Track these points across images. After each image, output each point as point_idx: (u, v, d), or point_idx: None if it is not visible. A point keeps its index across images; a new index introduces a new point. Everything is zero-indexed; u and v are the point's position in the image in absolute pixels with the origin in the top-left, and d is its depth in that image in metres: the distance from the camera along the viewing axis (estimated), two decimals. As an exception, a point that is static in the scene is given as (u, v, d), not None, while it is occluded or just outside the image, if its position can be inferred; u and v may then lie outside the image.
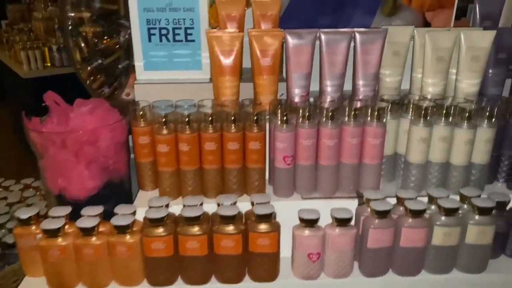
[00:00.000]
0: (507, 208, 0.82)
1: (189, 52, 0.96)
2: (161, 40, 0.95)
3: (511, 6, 1.03)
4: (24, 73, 2.65)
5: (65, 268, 0.74)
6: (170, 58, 0.96)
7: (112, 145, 0.83)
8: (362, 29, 0.85)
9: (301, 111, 0.80)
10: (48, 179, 0.82)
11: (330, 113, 0.80)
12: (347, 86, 0.91)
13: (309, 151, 0.81)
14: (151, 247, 0.73)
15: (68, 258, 0.74)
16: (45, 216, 0.76)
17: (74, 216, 0.76)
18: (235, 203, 0.78)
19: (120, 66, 0.97)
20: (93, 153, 0.80)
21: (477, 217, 0.77)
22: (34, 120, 0.81)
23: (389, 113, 0.85)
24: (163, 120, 0.79)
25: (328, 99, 0.86)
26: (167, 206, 0.78)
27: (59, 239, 0.73)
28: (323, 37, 0.85)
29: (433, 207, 0.79)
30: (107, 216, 0.76)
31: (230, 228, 0.75)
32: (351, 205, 0.82)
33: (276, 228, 0.75)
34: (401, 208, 0.78)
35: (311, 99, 0.89)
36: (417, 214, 0.76)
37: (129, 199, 0.89)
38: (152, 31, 0.94)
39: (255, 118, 0.80)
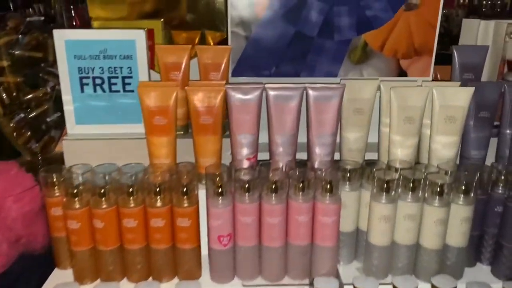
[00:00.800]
0: (490, 302, 0.67)
1: (128, 104, 0.85)
2: (95, 91, 0.84)
3: (495, 55, 0.91)
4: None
5: None
6: (107, 110, 0.85)
7: (20, 216, 0.71)
8: (315, 85, 0.73)
9: (239, 181, 0.67)
10: None
11: (273, 185, 0.67)
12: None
13: (249, 230, 0.68)
14: None
15: None
16: None
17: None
18: (157, 293, 0.65)
19: (48, 120, 0.85)
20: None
21: (450, 317, 0.63)
22: None
23: (348, 183, 0.72)
24: (74, 191, 0.67)
25: (279, 165, 0.74)
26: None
27: None
28: (270, 93, 0.73)
29: (398, 301, 0.65)
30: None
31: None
32: (301, 293, 0.69)
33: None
34: (358, 304, 0.64)
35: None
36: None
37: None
38: (84, 81, 0.83)
39: (184, 189, 0.67)
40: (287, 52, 0.91)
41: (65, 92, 0.83)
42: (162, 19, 1.00)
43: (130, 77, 0.83)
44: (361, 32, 0.90)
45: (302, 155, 0.80)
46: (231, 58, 0.90)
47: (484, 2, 2.13)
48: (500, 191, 0.72)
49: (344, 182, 0.71)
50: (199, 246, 0.71)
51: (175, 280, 0.71)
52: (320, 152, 0.75)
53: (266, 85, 0.73)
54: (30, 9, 1.69)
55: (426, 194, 0.68)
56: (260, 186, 0.68)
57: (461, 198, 0.68)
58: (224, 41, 0.93)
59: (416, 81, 0.90)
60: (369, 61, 0.93)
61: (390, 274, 0.71)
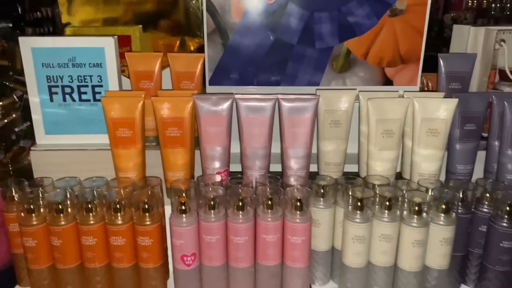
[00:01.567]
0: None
1: (98, 114, 0.81)
2: (65, 100, 0.81)
3: (484, 63, 0.86)
4: None
5: None
6: (76, 120, 0.82)
7: (-23, 232, 0.68)
8: (288, 96, 0.69)
9: (204, 198, 0.64)
10: None
11: (240, 202, 0.63)
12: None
13: (214, 249, 0.64)
14: None
15: None
16: None
17: None
18: (115, 315, 0.62)
19: (17, 129, 0.82)
20: None
21: None
22: None
23: (322, 199, 0.67)
24: (30, 207, 0.63)
25: (250, 180, 0.70)
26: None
27: None
28: (240, 104, 0.69)
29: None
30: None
31: None
32: (271, 317, 0.65)
33: None
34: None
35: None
36: None
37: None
38: (53, 90, 0.80)
39: (144, 205, 0.63)
40: (266, 60, 0.87)
41: (33, 101, 0.80)
42: (140, 26, 0.97)
43: (101, 86, 0.80)
44: (343, 40, 0.86)
45: (278, 167, 0.77)
46: (208, 67, 0.87)
47: (493, 5, 2.07)
48: (484, 210, 0.67)
49: (318, 198, 0.67)
50: (163, 265, 0.67)
51: (139, 301, 0.68)
52: (294, 166, 0.71)
53: (236, 96, 0.69)
54: (38, 13, 1.67)
55: (404, 213, 0.64)
56: (227, 203, 0.64)
57: (442, 218, 0.64)
58: (202, 48, 0.90)
59: (397, 91, 0.85)
60: (353, 69, 0.89)
61: (366, 297, 0.67)
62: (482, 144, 0.77)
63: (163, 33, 0.98)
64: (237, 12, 0.84)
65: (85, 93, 0.81)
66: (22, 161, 0.88)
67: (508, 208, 0.64)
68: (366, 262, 0.66)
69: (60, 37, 0.78)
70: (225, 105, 0.69)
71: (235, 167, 0.76)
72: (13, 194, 0.67)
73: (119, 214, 0.64)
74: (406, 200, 0.64)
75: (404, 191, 0.65)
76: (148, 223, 0.63)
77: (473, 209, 0.68)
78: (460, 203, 0.67)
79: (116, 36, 0.79)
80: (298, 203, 0.63)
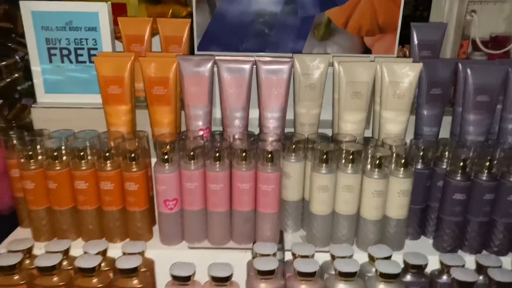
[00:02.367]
0: (425, 272, 0.69)
1: (94, 74, 0.88)
2: (63, 61, 0.87)
3: (457, 33, 0.90)
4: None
5: None
6: (73, 80, 0.88)
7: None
8: (264, 58, 0.75)
9: (185, 149, 0.70)
10: None
11: (217, 154, 0.70)
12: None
13: (193, 195, 0.71)
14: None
15: None
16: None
17: None
18: (104, 251, 0.69)
19: (19, 88, 0.89)
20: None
21: (381, 285, 0.65)
22: None
23: (293, 154, 0.74)
24: (28, 153, 0.71)
25: (234, 135, 0.77)
26: (28, 250, 0.69)
27: None
28: (221, 65, 0.75)
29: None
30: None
31: (93, 281, 0.65)
32: (244, 257, 0.72)
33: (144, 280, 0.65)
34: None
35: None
36: (305, 275, 0.64)
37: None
38: (52, 51, 0.87)
39: (132, 155, 0.70)
40: (251, 28, 0.93)
41: (34, 62, 0.87)
42: (136, -7, 1.02)
43: (95, 49, 0.87)
44: (324, 9, 0.91)
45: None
46: (196, 33, 0.93)
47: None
48: (443, 166, 0.73)
49: (289, 153, 0.74)
50: (148, 210, 0.75)
51: (127, 241, 0.75)
52: (270, 125, 0.77)
53: (216, 58, 0.75)
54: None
55: (367, 167, 0.70)
56: (205, 155, 0.71)
57: (401, 171, 0.70)
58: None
59: (369, 57, 0.90)
60: (334, 38, 0.94)
61: (332, 243, 0.74)
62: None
63: (156, 2, 1.03)
64: (224, -19, 0.89)
65: (81, 55, 0.87)
66: (25, 118, 0.95)
67: (461, 164, 0.70)
68: (330, 210, 0.72)
69: (57, 1, 0.84)
70: (207, 66, 0.75)
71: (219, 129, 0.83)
72: (14, 142, 0.74)
73: (108, 161, 0.71)
74: (369, 154, 0.70)
75: (368, 147, 0.72)
76: (134, 169, 0.71)
77: (432, 166, 0.74)
78: (421, 160, 0.73)
79: (109, 2, 0.84)
80: (269, 155, 0.69)
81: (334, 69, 0.79)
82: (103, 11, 0.84)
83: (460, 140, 0.79)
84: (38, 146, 0.72)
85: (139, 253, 0.68)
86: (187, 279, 0.65)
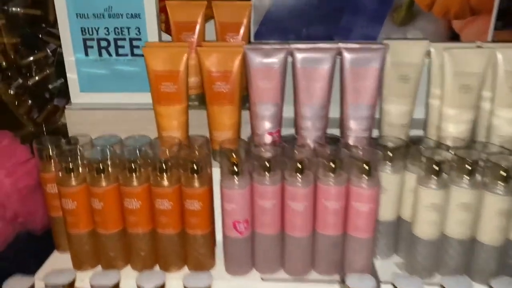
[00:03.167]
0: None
1: (137, 70, 0.75)
2: (100, 55, 0.75)
3: None
4: None
5: None
6: (113, 77, 0.76)
7: (14, 192, 0.63)
8: (351, 45, 0.61)
9: (258, 158, 0.57)
10: None
11: (299, 165, 0.56)
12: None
13: (270, 215, 0.58)
14: None
15: None
16: None
17: None
18: (162, 286, 0.56)
19: (51, 87, 0.77)
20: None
21: (513, 329, 0.51)
22: None
23: (389, 164, 0.60)
24: (69, 166, 0.58)
25: (306, 141, 0.63)
26: (70, 285, 0.57)
27: None
28: (297, 55, 0.61)
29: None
30: None
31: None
32: (330, 291, 0.58)
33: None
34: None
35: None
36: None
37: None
38: (89, 43, 0.74)
39: (193, 166, 0.57)
40: (318, 11, 0.79)
41: (67, 56, 0.74)
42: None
43: (139, 39, 0.74)
44: (407, -13, 0.77)
45: (334, 132, 0.69)
46: (253, 19, 0.79)
47: None
48: None
49: (385, 162, 0.60)
50: (211, 233, 0.62)
51: (185, 270, 0.63)
52: (355, 127, 0.63)
53: (293, 46, 0.61)
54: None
55: (486, 179, 0.56)
56: (283, 166, 0.58)
57: (531, 185, 0.55)
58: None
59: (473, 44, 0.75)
60: (415, 22, 0.79)
61: (437, 273, 0.60)
62: None
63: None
64: (288, -44, 0.75)
65: (123, 46, 0.74)
66: (56, 122, 0.83)
67: None
68: (439, 233, 0.58)
69: (95, -16, 0.71)
70: (280, 56, 0.61)
71: (287, 132, 0.69)
72: (50, 152, 0.62)
73: (165, 175, 0.58)
74: (489, 164, 0.56)
75: (486, 154, 0.57)
76: (197, 185, 0.57)
77: None
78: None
79: (155, -17, 0.71)
80: (366, 166, 0.55)
81: (433, 58, 0.64)
82: (149, -5, 0.71)
83: None
84: (79, 157, 0.59)
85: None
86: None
